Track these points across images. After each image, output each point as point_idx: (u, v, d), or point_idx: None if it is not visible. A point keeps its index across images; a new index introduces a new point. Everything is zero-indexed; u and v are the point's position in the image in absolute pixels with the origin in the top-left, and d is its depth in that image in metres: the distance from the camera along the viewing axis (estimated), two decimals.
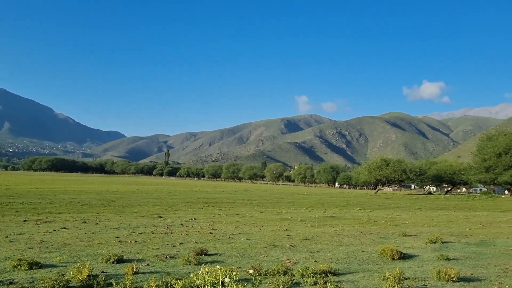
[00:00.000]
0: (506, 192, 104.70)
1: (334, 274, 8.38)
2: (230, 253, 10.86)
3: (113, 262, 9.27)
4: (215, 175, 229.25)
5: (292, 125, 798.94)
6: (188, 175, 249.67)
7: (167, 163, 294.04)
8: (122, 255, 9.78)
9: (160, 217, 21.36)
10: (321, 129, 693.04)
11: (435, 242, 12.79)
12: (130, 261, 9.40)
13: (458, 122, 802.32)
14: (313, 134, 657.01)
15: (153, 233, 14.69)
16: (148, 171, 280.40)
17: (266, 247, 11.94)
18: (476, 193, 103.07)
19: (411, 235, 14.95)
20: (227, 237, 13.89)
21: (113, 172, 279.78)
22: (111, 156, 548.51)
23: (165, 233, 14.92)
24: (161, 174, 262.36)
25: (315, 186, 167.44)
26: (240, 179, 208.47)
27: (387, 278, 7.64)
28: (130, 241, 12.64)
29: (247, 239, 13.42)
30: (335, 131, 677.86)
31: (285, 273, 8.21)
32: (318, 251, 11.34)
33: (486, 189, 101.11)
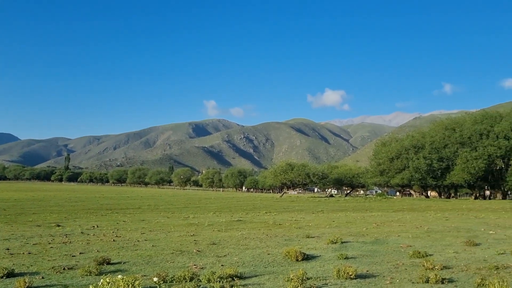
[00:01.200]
0: (398, 193, 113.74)
1: (241, 277, 8.47)
2: (134, 261, 10.50)
3: (1, 277, 8.47)
4: (120, 180, 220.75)
5: (200, 129, 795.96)
6: (91, 181, 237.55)
7: (67, 168, 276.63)
8: (13, 269, 8.98)
9: (58, 225, 20.00)
10: (229, 133, 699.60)
11: (335, 242, 13.47)
12: (22, 274, 8.66)
13: (356, 129, 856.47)
14: (221, 139, 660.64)
15: (49, 243, 13.70)
16: (45, 176, 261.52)
17: (173, 253, 11.73)
18: (372, 195, 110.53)
19: (314, 237, 15.59)
20: (131, 244, 13.42)
21: (5, 178, 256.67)
22: (3, 161, 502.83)
23: (63, 242, 14.00)
24: (61, 180, 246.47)
25: (222, 191, 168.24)
26: (146, 184, 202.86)
27: (291, 279, 7.89)
28: (23, 253, 11.67)
29: (153, 246, 13.08)
30: (242, 136, 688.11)
31: (191, 279, 8.12)
32: (225, 255, 11.39)
33: (380, 191, 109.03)
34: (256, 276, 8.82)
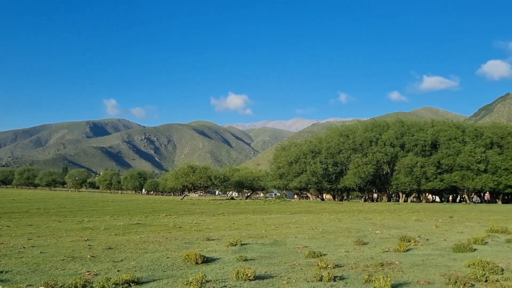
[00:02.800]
0: (296, 196, 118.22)
1: (138, 283, 8.17)
2: (19, 269, 9.63)
3: None
4: (5, 182, 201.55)
5: (98, 129, 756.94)
6: None
7: None
8: None
9: None
10: (130, 134, 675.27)
11: (235, 245, 13.59)
12: None
13: (258, 133, 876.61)
14: (121, 139, 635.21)
15: None
16: None
17: (64, 259, 10.97)
18: (272, 197, 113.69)
19: (214, 239, 15.59)
20: (16, 252, 12.29)
21: None
22: None
23: None
24: None
25: (121, 193, 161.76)
26: (36, 185, 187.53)
27: (190, 282, 7.80)
28: None
29: (41, 252, 12.10)
30: (143, 137, 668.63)
31: (84, 287, 7.65)
32: (121, 260, 10.92)
33: (280, 194, 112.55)
34: (154, 280, 8.58)
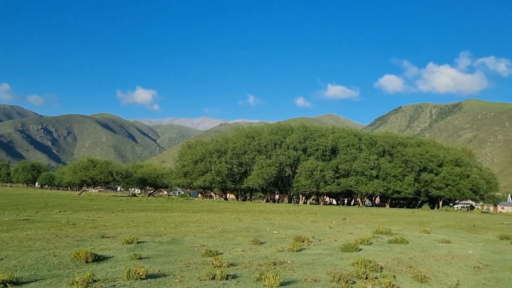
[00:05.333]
0: (200, 195, 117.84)
1: (16, 283, 7.59)
2: None
3: None
4: None
5: None
6: None
7: None
8: None
9: None
10: (24, 123, 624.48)
11: (131, 243, 13.21)
12: None
13: (165, 130, 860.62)
14: (13, 128, 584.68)
15: None
16: None
17: None
18: (175, 195, 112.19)
19: (109, 237, 15.00)
20: None
21: None
22: None
23: None
24: None
25: (10, 186, 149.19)
26: None
27: (76, 282, 7.43)
28: None
29: None
30: (40, 127, 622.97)
31: None
32: (1, 259, 10.08)
33: (183, 192, 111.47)
34: (36, 280, 8.03)
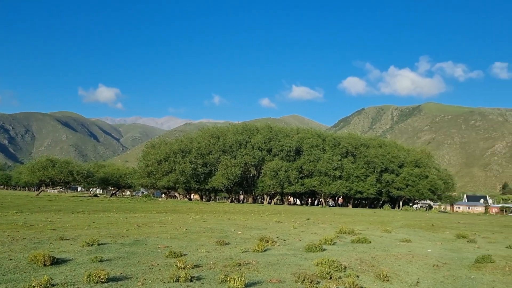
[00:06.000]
0: (163, 195, 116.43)
1: None
2: None
3: None
4: None
5: None
6: None
7: None
8: None
9: None
10: None
11: (92, 245, 12.85)
12: None
13: (128, 129, 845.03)
14: None
15: None
16: None
17: None
18: (139, 196, 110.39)
19: (69, 239, 14.56)
20: None
21: None
22: None
23: None
24: None
25: None
26: None
27: (33, 286, 7.14)
28: None
29: None
30: None
31: None
32: None
33: (147, 193, 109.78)
34: None
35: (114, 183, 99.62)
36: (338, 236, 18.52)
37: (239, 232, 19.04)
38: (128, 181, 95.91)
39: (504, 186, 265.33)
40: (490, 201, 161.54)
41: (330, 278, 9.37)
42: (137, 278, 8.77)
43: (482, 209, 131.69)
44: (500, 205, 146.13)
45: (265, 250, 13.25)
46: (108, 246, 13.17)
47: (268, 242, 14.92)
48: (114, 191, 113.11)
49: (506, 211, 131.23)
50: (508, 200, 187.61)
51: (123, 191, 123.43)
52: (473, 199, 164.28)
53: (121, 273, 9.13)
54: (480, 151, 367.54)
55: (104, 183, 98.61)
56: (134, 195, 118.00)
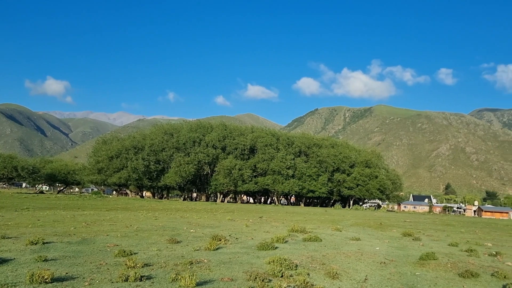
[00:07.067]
0: (114, 192, 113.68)
1: None
2: None
3: None
4: None
5: None
6: None
7: None
8: None
9: None
10: None
11: (36, 243, 12.31)
12: None
13: (78, 123, 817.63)
14: None
15: None
16: None
17: None
18: (88, 193, 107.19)
19: (11, 237, 13.88)
20: None
21: None
22: None
23: None
24: None
25: None
26: None
27: None
28: None
29: None
30: None
31: None
32: None
33: (97, 190, 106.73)
34: None
35: (61, 180, 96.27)
36: (290, 235, 18.72)
37: (192, 230, 18.86)
38: (77, 178, 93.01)
39: (447, 187, 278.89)
40: (434, 200, 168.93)
41: (282, 276, 9.44)
42: (83, 278, 8.47)
43: (426, 209, 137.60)
44: (443, 204, 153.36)
45: (217, 249, 13.19)
46: (54, 245, 12.66)
47: (220, 240, 14.86)
48: (62, 188, 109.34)
49: (448, 210, 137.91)
50: (451, 199, 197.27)
51: (72, 188, 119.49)
52: (419, 198, 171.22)
53: (66, 273, 8.79)
54: (426, 153, 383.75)
55: (51, 179, 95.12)
56: (83, 192, 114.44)
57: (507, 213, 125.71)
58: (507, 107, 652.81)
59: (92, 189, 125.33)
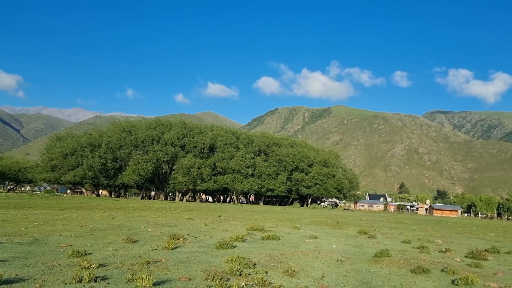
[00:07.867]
0: (69, 191, 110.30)
1: None
2: None
3: None
4: None
5: None
6: None
7: None
8: None
9: None
10: None
11: None
12: None
13: (31, 119, 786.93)
14: None
15: None
16: None
17: None
18: (40, 191, 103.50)
19: None
20: None
21: None
22: None
23: None
24: None
25: None
26: None
27: None
28: None
29: None
30: None
31: None
32: None
33: (50, 188, 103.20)
34: None
35: (12, 177, 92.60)
36: (248, 233, 18.76)
37: (149, 229, 18.57)
38: (29, 176, 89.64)
39: (401, 186, 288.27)
40: (389, 199, 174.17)
41: (240, 275, 9.45)
42: (34, 279, 8.16)
43: (381, 207, 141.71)
44: (397, 203, 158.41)
45: (175, 248, 13.05)
46: (3, 245, 12.14)
47: (178, 239, 14.72)
48: (12, 186, 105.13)
49: (402, 209, 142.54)
50: (404, 198, 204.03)
51: (23, 187, 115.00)
52: (374, 197, 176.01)
53: (16, 275, 8.44)
54: (382, 153, 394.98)
55: (1, 177, 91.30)
56: (35, 191, 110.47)
57: (456, 211, 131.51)
58: (457, 110, 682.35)
59: (45, 188, 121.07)
